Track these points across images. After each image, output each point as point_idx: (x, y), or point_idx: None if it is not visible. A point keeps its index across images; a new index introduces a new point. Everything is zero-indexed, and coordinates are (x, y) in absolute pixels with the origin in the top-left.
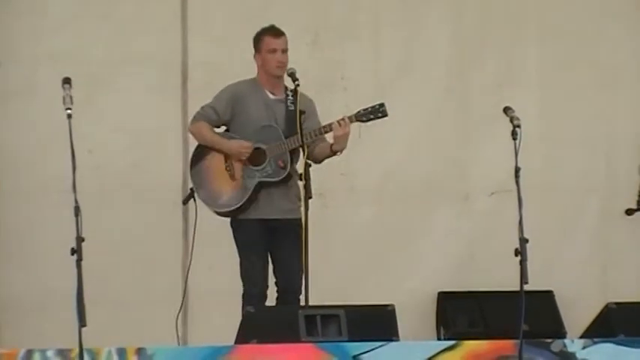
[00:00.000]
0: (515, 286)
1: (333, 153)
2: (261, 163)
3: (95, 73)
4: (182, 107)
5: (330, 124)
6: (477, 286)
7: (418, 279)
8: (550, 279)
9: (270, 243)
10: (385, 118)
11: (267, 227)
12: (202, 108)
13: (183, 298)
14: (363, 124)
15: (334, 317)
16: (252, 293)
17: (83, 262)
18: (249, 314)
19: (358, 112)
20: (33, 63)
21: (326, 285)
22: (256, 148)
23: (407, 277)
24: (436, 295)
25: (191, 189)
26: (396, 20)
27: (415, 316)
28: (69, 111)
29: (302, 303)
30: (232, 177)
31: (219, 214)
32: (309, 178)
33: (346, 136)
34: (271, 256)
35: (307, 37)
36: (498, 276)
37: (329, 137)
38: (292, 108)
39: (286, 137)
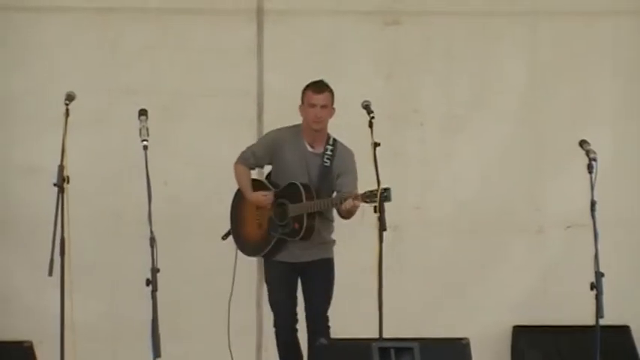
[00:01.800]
0: (590, 321)
1: (342, 217)
2: (283, 219)
3: (170, 105)
4: (257, 138)
5: (344, 198)
6: (551, 320)
7: (493, 313)
8: (626, 314)
9: (300, 278)
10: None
11: (293, 268)
12: (246, 149)
13: (257, 332)
14: (367, 204)
15: (408, 350)
16: (280, 325)
17: (158, 293)
18: (322, 346)
19: (365, 192)
20: (108, 94)
21: (400, 318)
22: (282, 204)
23: (481, 311)
24: (511, 329)
25: (231, 227)
26: (469, 53)
27: (490, 350)
28: (145, 142)
29: (372, 336)
30: (260, 226)
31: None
32: (384, 211)
33: (356, 208)
34: (302, 290)
35: (381, 70)
36: (573, 310)
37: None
38: (328, 164)
39: (314, 193)
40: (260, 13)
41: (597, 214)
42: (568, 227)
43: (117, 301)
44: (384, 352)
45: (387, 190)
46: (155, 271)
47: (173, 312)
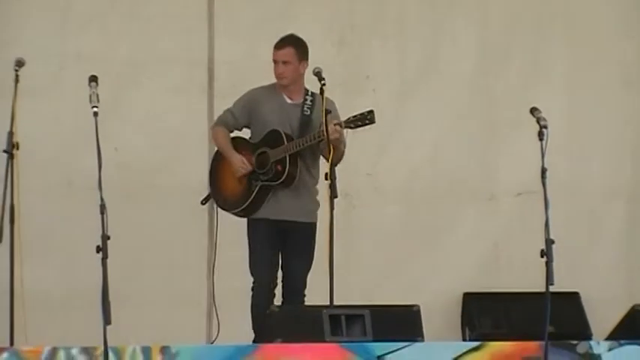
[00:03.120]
0: (540, 288)
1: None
2: (265, 166)
3: (121, 72)
4: (208, 107)
5: (321, 131)
6: (502, 287)
7: (443, 280)
8: (576, 281)
9: (280, 243)
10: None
11: (278, 228)
12: (223, 112)
13: (209, 297)
14: (351, 129)
15: (359, 317)
16: (259, 290)
17: (108, 261)
18: (273, 313)
19: (347, 118)
20: (59, 61)
21: (351, 285)
22: (262, 152)
23: (432, 278)
24: (461, 296)
25: (210, 190)
26: (422, 19)
27: (440, 316)
28: (95, 109)
29: (323, 302)
30: (241, 179)
31: (234, 214)
32: (335, 178)
33: (337, 140)
34: (282, 256)
35: (333, 36)
36: (524, 277)
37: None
38: (308, 113)
39: (294, 138)
40: None
41: (548, 181)
42: (519, 194)
43: (68, 269)
44: (334, 319)
45: (370, 112)
46: (105, 238)
47: (124, 279)
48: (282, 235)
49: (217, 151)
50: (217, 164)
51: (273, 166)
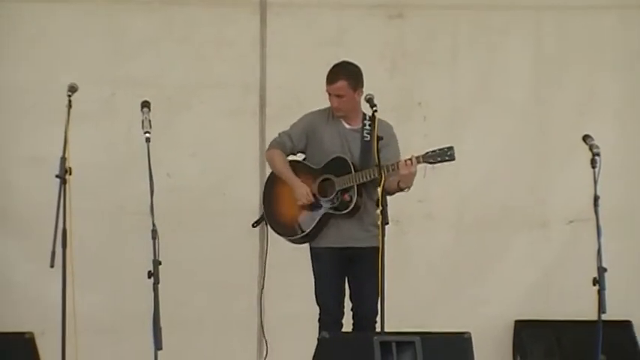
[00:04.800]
0: (592, 316)
1: (400, 189)
2: (329, 194)
3: (173, 97)
4: (260, 131)
5: (397, 163)
6: (554, 315)
7: (495, 307)
8: (628, 309)
9: (347, 271)
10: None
11: (342, 255)
12: (279, 135)
13: (259, 322)
14: (430, 164)
15: (410, 344)
16: (326, 320)
17: (160, 286)
18: (324, 340)
19: (426, 153)
20: (111, 86)
21: (402, 312)
22: (326, 179)
23: (483, 305)
24: (513, 324)
25: (263, 213)
26: (475, 46)
27: (491, 344)
28: (147, 134)
29: (378, 329)
30: (301, 205)
31: (290, 240)
32: (386, 205)
33: (412, 175)
34: (348, 283)
35: (385, 62)
36: (576, 305)
37: None
38: (368, 139)
39: (358, 168)
40: (263, 5)
41: (600, 208)
42: (571, 222)
43: (119, 293)
44: (385, 346)
45: (451, 148)
46: (157, 263)
47: (175, 304)
48: (347, 262)
49: (272, 173)
50: (273, 187)
51: (339, 194)
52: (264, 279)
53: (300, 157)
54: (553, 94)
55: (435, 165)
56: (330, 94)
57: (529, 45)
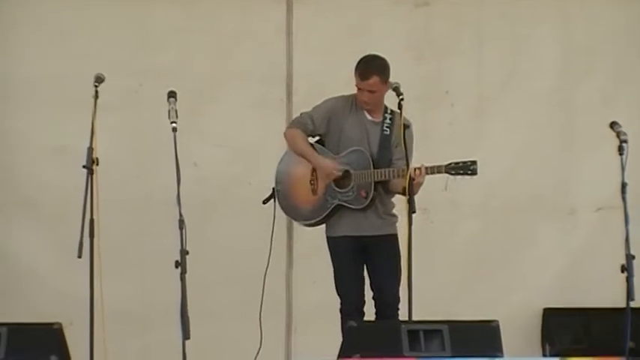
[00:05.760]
0: (621, 303)
1: (403, 194)
2: (345, 186)
3: (199, 88)
4: (286, 121)
5: (402, 170)
6: (582, 302)
7: (523, 295)
8: None
9: (365, 258)
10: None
11: (359, 243)
12: (301, 115)
13: (287, 312)
14: (451, 176)
15: (437, 332)
16: (348, 310)
17: (187, 275)
18: (352, 329)
19: (449, 164)
20: (137, 77)
21: (429, 300)
22: (345, 171)
23: (511, 293)
24: (541, 312)
25: (273, 188)
26: (501, 34)
27: (520, 332)
28: (174, 124)
29: (404, 317)
30: (314, 192)
31: (301, 224)
32: (413, 193)
33: (419, 185)
34: (367, 271)
35: (411, 51)
36: (604, 293)
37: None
38: (387, 132)
39: (375, 163)
40: None
41: (628, 195)
42: (599, 209)
43: (146, 283)
44: (413, 334)
45: (474, 162)
46: (184, 253)
47: (202, 294)
48: (365, 250)
49: (287, 155)
50: (289, 166)
51: (354, 189)
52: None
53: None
54: (580, 81)
55: (457, 177)
56: (361, 90)
57: (556, 33)
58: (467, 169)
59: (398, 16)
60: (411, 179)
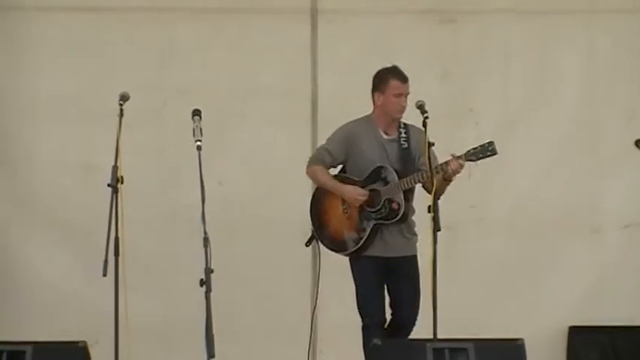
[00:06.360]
0: None
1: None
2: (376, 204)
3: (224, 106)
4: (312, 139)
5: (445, 163)
6: (608, 320)
7: (549, 313)
8: None
9: (387, 279)
10: (495, 156)
11: (384, 265)
12: (317, 150)
13: (311, 331)
14: (472, 162)
15: (463, 351)
16: (371, 325)
17: (212, 294)
18: (377, 347)
19: (468, 151)
20: (162, 94)
21: (455, 318)
22: (372, 190)
23: (537, 311)
24: (567, 330)
25: (313, 230)
26: (526, 51)
27: (545, 350)
28: (199, 142)
29: (429, 336)
30: (350, 219)
31: (344, 254)
32: (438, 211)
33: (460, 169)
34: (388, 291)
35: (436, 68)
36: (630, 310)
37: None
38: (405, 146)
39: (400, 177)
40: (314, 12)
41: None
42: (626, 226)
43: (171, 302)
44: (438, 352)
45: (491, 143)
46: (209, 271)
47: (227, 312)
48: (388, 271)
49: (316, 191)
50: (320, 205)
51: (386, 203)
52: (317, 288)
53: (331, 170)
54: (605, 98)
55: (478, 162)
56: (399, 95)
57: (581, 49)
58: (486, 151)
59: (423, 33)
60: (448, 181)
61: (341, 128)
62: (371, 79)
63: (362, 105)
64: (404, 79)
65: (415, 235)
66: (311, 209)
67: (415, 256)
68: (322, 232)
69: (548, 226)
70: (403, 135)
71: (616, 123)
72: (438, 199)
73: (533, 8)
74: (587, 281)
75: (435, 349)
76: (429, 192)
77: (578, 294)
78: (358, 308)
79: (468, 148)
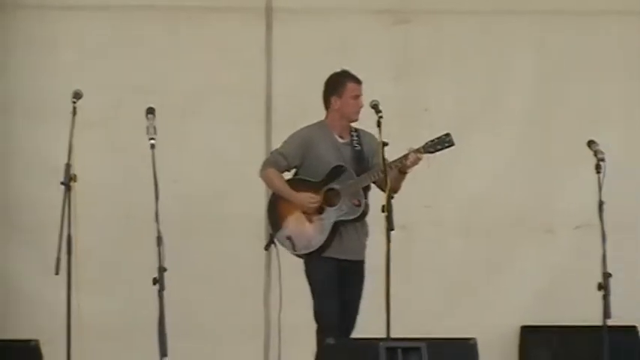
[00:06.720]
0: (598, 321)
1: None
2: (336, 203)
3: (180, 104)
4: (266, 137)
5: (404, 156)
6: (560, 320)
7: (501, 312)
8: (634, 314)
9: (339, 281)
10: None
11: (339, 266)
12: (272, 154)
13: (265, 331)
14: (430, 154)
15: (415, 350)
16: (326, 329)
17: (165, 292)
18: (330, 346)
19: (426, 143)
20: (117, 93)
21: (408, 318)
22: (330, 189)
23: (490, 311)
24: (519, 330)
25: (271, 234)
26: (480, 53)
27: (497, 350)
28: (152, 141)
29: (380, 335)
30: (309, 219)
31: (298, 255)
32: (392, 210)
33: (415, 165)
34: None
35: (391, 69)
36: (582, 311)
37: None
38: (359, 148)
39: (357, 175)
40: (269, 11)
41: (605, 214)
42: (577, 227)
43: (125, 300)
44: (391, 351)
45: (448, 135)
46: (162, 270)
47: (182, 310)
48: (340, 273)
49: (273, 195)
50: (278, 206)
51: (347, 200)
52: (280, 292)
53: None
54: (559, 99)
55: (436, 154)
56: (357, 97)
57: (535, 50)
58: (444, 142)
59: (378, 34)
60: (404, 174)
61: (296, 133)
62: (324, 79)
63: (316, 104)
64: (359, 81)
65: (367, 236)
66: (269, 211)
67: (364, 262)
68: (282, 234)
69: (502, 227)
70: (355, 138)
71: (569, 124)
72: (392, 197)
73: (487, 9)
74: (540, 281)
75: (387, 348)
76: (383, 190)
77: (531, 294)
78: (315, 310)
79: (426, 141)
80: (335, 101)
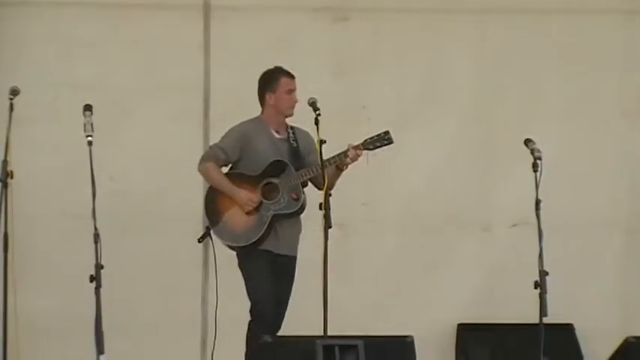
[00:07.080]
0: (535, 319)
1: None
2: (274, 197)
3: (117, 101)
4: (204, 135)
5: (343, 153)
6: (497, 318)
7: (438, 310)
8: (571, 312)
9: (273, 275)
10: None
11: (275, 260)
12: (211, 148)
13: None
14: (370, 151)
15: (352, 348)
16: (259, 322)
17: (102, 290)
18: (266, 344)
19: (365, 140)
20: (54, 89)
21: (345, 315)
22: (268, 183)
23: (427, 308)
24: (456, 327)
25: (207, 227)
26: (419, 50)
27: (434, 347)
28: (89, 138)
29: (317, 333)
30: (248, 212)
31: (232, 248)
32: (329, 208)
33: (354, 161)
34: None
35: (330, 66)
36: (519, 308)
37: None
38: (295, 145)
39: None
40: (207, 8)
41: (543, 212)
42: (514, 225)
43: (63, 297)
44: (328, 349)
45: (387, 132)
46: (99, 267)
47: (119, 308)
48: (275, 267)
49: (210, 189)
50: (216, 199)
51: (285, 194)
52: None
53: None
54: (498, 97)
55: (376, 151)
56: (291, 91)
57: (473, 48)
58: (383, 140)
59: (317, 31)
60: (341, 170)
61: (234, 128)
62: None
63: (255, 101)
64: (292, 76)
65: (300, 233)
66: (206, 204)
67: (296, 258)
68: (219, 226)
69: (440, 224)
70: (292, 135)
71: (507, 121)
72: (330, 195)
73: (426, 6)
74: (477, 279)
75: (324, 346)
76: (319, 187)
77: (468, 291)
78: (251, 299)
79: (366, 138)
80: (269, 97)
